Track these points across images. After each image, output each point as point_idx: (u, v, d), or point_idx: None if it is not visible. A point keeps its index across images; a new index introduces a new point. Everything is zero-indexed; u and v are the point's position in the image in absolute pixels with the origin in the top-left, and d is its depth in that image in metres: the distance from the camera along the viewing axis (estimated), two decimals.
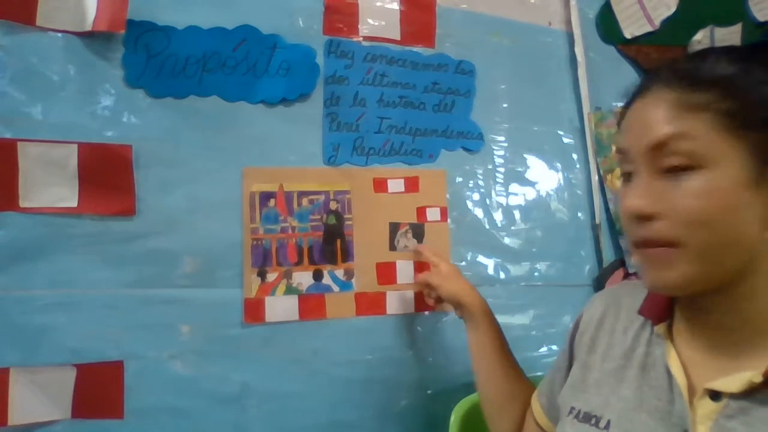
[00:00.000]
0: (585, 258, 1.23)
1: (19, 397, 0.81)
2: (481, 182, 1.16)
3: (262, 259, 0.96)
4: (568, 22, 1.27)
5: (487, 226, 1.16)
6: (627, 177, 0.55)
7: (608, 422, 0.57)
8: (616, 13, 1.30)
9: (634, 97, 0.56)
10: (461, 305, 0.90)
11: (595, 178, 1.25)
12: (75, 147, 0.86)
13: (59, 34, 0.86)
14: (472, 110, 1.16)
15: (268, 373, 0.95)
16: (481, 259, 1.14)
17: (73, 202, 0.86)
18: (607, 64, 1.30)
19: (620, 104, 0.61)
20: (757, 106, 0.49)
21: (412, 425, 1.04)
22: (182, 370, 0.90)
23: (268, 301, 0.96)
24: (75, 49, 0.87)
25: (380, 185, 1.07)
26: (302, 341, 0.98)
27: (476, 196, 1.15)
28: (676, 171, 0.49)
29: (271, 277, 0.97)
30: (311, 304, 0.99)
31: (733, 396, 0.50)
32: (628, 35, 1.31)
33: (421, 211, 1.09)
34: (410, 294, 1.06)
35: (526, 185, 1.20)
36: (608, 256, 1.24)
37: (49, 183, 0.84)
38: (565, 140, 1.25)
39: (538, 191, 1.21)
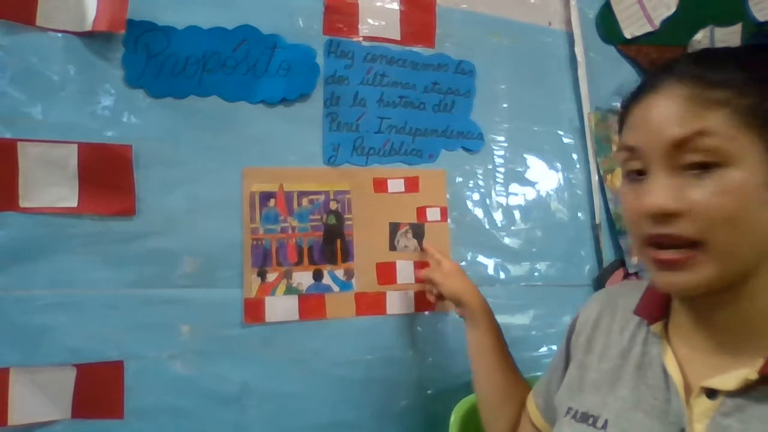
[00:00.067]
0: (585, 258, 1.23)
1: (19, 397, 0.81)
2: (481, 182, 1.16)
3: (262, 259, 0.96)
4: (568, 22, 1.27)
5: (487, 226, 1.16)
6: (633, 175, 0.53)
7: (606, 422, 0.57)
8: (616, 13, 1.30)
9: (642, 93, 0.54)
10: (462, 303, 0.90)
11: (595, 178, 1.25)
12: (75, 147, 0.86)
13: (59, 34, 0.86)
14: (472, 110, 1.16)
15: (268, 373, 0.95)
16: (481, 259, 1.14)
17: (73, 202, 0.86)
18: (607, 64, 1.30)
19: (620, 104, 0.60)
20: None
21: (412, 425, 1.04)
22: (182, 370, 0.90)
23: (268, 301, 0.96)
24: (75, 49, 0.87)
25: (380, 185, 1.07)
26: (302, 341, 0.98)
27: (476, 196, 1.15)
28: (697, 168, 0.48)
29: (271, 277, 0.97)
30: (311, 304, 0.99)
31: (730, 394, 0.50)
32: (628, 35, 1.31)
33: (421, 211, 1.09)
34: (410, 294, 1.06)
35: (526, 185, 1.20)
36: (608, 256, 1.24)
37: (49, 183, 0.84)
38: (565, 140, 1.25)
39: (538, 191, 1.21)
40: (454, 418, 0.92)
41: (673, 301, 0.60)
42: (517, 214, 1.19)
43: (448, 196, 1.12)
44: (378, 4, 1.09)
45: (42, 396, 0.82)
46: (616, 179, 1.24)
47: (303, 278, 0.99)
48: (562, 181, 1.24)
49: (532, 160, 1.21)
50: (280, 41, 0.99)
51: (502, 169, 1.18)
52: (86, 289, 0.86)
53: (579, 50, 1.25)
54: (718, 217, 0.47)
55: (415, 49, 1.11)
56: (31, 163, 0.83)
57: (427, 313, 1.07)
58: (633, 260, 1.24)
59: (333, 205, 1.03)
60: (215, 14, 0.95)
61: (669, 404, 0.54)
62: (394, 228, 1.07)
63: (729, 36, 1.35)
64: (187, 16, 0.93)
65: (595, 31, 1.30)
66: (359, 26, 1.07)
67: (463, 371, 1.03)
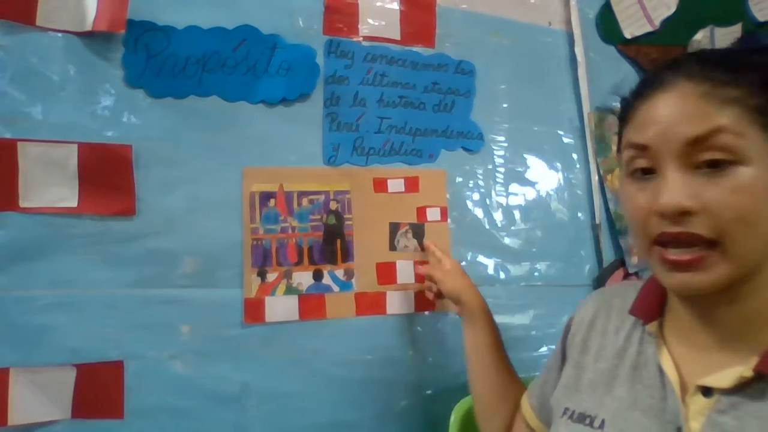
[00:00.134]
0: (585, 258, 1.23)
1: (19, 397, 0.81)
2: (481, 182, 1.16)
3: (262, 259, 0.96)
4: (568, 22, 1.27)
5: (487, 226, 1.16)
6: (640, 173, 0.53)
7: (602, 422, 0.58)
8: (616, 13, 1.30)
9: (649, 90, 0.53)
10: (461, 302, 0.90)
11: (595, 178, 1.25)
12: (75, 147, 0.86)
13: (59, 34, 0.86)
14: (472, 110, 1.16)
15: (268, 373, 0.95)
16: (481, 259, 1.14)
17: (73, 202, 0.86)
18: (607, 64, 1.30)
19: (620, 102, 0.59)
20: None
21: (412, 425, 1.04)
22: (182, 370, 0.90)
23: (268, 301, 0.96)
24: (75, 49, 0.87)
25: (380, 185, 1.07)
26: (302, 341, 0.98)
27: (476, 196, 1.15)
28: (710, 166, 0.48)
29: (271, 277, 0.97)
30: (311, 304, 0.99)
31: (725, 391, 0.50)
32: (628, 35, 1.31)
33: (421, 211, 1.09)
34: (410, 294, 1.06)
35: (526, 185, 1.21)
36: (608, 256, 1.24)
37: (49, 183, 0.84)
38: (565, 140, 1.25)
39: (538, 191, 1.21)
40: (454, 418, 0.92)
41: (670, 301, 0.60)
42: (517, 214, 1.19)
43: (448, 196, 1.12)
44: (378, 4, 1.09)
45: (42, 396, 0.82)
46: (616, 179, 1.24)
47: (303, 278, 0.99)
48: (562, 181, 1.24)
49: (532, 160, 1.22)
50: (280, 41, 0.99)
51: (502, 169, 1.18)
52: (86, 289, 0.86)
53: (579, 50, 1.25)
54: (732, 216, 0.47)
55: (415, 49, 1.11)
56: (31, 163, 0.84)
57: (427, 313, 1.07)
58: (633, 260, 1.24)
59: (333, 205, 1.03)
60: (215, 14, 0.96)
61: (665, 403, 0.54)
62: (394, 228, 1.07)
63: (729, 36, 1.35)
64: (187, 16, 0.94)
65: (595, 31, 1.30)
66: (359, 26, 1.07)
67: (463, 371, 1.02)
